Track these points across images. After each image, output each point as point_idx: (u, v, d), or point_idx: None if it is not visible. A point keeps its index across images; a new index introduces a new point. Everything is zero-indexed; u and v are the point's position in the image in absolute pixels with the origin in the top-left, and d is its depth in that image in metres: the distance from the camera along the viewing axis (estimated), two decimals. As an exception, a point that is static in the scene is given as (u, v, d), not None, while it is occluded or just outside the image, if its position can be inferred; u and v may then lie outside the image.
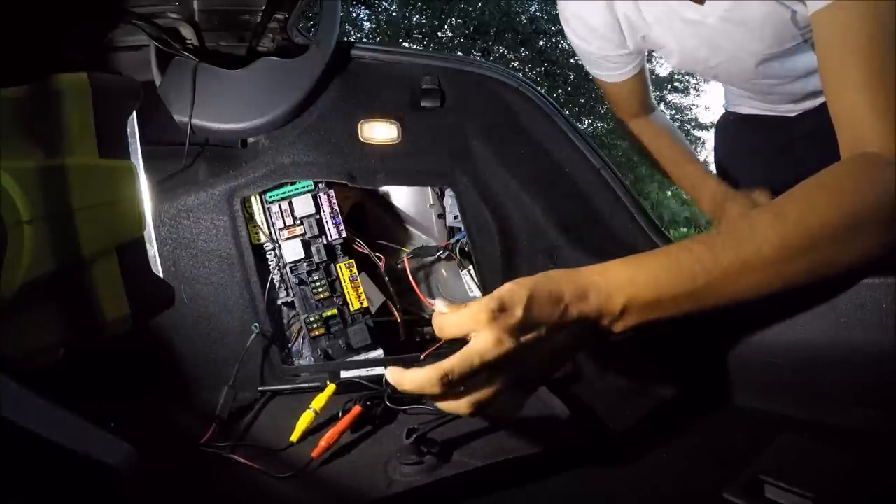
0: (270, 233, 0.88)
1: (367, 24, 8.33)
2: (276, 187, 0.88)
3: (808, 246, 0.50)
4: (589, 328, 0.49)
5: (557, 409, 0.59)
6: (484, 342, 0.44)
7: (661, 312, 0.50)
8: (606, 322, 0.50)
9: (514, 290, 0.47)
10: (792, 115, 1.02)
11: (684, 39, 0.87)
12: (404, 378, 0.45)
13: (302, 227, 0.89)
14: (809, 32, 0.75)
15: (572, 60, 8.72)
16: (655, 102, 1.14)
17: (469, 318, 0.45)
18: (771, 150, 1.09)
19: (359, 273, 0.90)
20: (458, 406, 0.46)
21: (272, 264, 0.88)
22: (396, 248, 1.03)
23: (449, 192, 0.99)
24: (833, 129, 0.58)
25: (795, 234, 0.50)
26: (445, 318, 0.47)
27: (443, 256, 1.03)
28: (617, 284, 0.49)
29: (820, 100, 0.95)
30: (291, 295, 0.88)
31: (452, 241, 1.01)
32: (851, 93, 0.55)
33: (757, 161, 1.11)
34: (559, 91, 8.53)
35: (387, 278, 0.94)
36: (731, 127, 1.16)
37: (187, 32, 0.87)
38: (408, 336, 0.96)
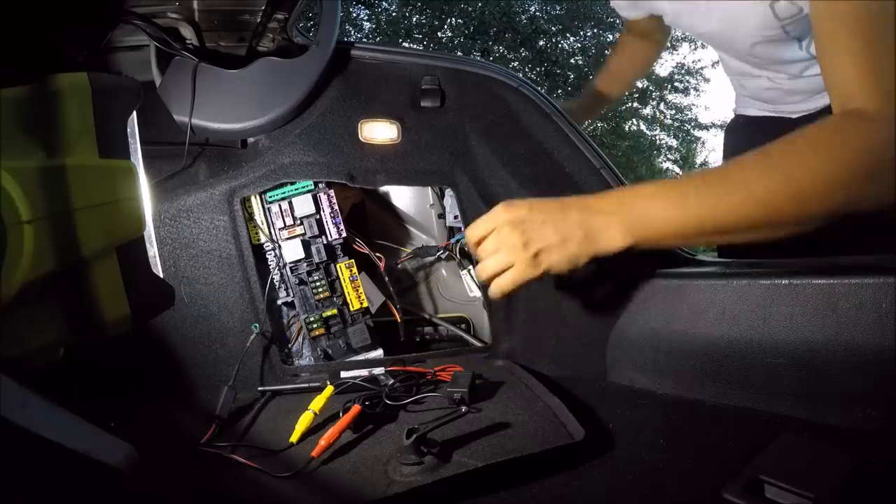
0: (270, 233, 0.88)
1: (367, 24, 8.32)
2: (276, 187, 0.88)
3: (787, 178, 0.56)
4: (588, 223, 0.60)
5: (572, 429, 0.59)
6: (500, 213, 0.63)
7: (653, 217, 0.59)
8: (604, 220, 0.60)
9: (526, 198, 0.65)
10: (794, 116, 1.05)
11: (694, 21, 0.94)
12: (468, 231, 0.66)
13: (302, 227, 0.89)
14: (790, 24, 0.81)
15: (572, 60, 8.72)
16: (664, 43, 1.33)
17: (491, 212, 0.64)
18: None
19: (359, 273, 0.90)
20: (486, 265, 0.63)
21: (272, 264, 0.88)
22: (396, 248, 1.03)
23: (449, 192, 0.99)
24: None
25: (775, 166, 0.56)
26: (475, 222, 0.65)
27: (443, 256, 1.03)
28: (616, 193, 0.63)
29: (819, 104, 0.99)
30: (291, 295, 0.88)
31: (452, 241, 1.01)
32: (840, 57, 0.59)
33: None
34: (559, 91, 8.53)
35: (387, 278, 0.94)
36: (739, 128, 1.22)
37: (187, 32, 0.87)
38: (408, 336, 0.96)
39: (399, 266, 1.04)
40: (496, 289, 0.64)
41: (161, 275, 0.66)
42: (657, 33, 1.28)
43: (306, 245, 0.88)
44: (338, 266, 0.89)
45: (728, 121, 1.26)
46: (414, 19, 8.44)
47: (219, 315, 0.82)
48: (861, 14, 0.58)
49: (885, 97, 0.56)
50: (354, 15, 8.11)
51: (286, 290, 0.89)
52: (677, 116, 9.54)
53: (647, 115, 9.49)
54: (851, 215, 0.57)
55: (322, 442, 0.57)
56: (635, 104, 9.33)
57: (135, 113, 0.62)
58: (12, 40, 0.62)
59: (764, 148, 0.58)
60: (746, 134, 1.17)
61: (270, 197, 0.88)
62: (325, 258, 0.89)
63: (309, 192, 0.89)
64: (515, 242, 0.61)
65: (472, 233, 0.65)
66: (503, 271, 0.63)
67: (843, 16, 0.59)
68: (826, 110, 0.93)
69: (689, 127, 9.52)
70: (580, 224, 0.60)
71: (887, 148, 0.55)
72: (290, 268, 0.88)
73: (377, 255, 0.94)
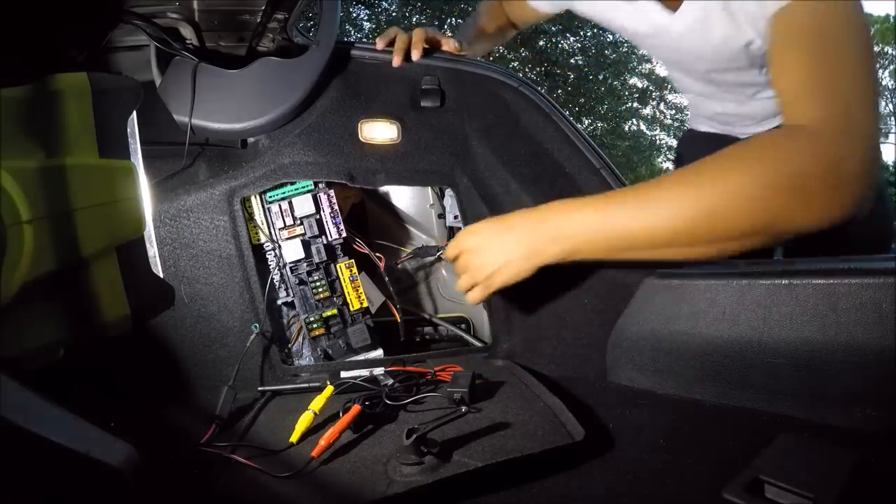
0: (270, 233, 0.88)
1: (367, 24, 8.34)
2: (276, 187, 0.88)
3: (701, 196, 0.58)
4: (530, 241, 0.68)
5: (572, 429, 0.59)
6: (463, 239, 0.75)
7: (584, 230, 0.65)
8: (542, 236, 0.67)
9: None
10: (742, 136, 1.07)
11: (647, 38, 0.93)
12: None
13: (302, 227, 0.89)
14: (758, 59, 0.82)
15: (572, 60, 8.72)
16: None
17: (459, 237, 0.77)
18: None
19: (359, 273, 0.90)
20: (459, 283, 0.76)
21: (272, 264, 0.88)
22: (396, 248, 1.03)
23: (449, 192, 0.99)
24: None
25: (692, 183, 0.59)
26: (449, 245, 0.78)
27: (443, 256, 1.03)
28: (555, 208, 0.68)
29: (765, 126, 1.01)
30: (291, 295, 0.88)
31: (452, 240, 1.01)
32: (789, 76, 0.62)
33: None
34: (559, 91, 8.53)
35: (387, 278, 0.94)
36: (691, 143, 1.26)
37: (187, 32, 0.87)
38: (408, 336, 0.96)
39: (399, 266, 1.04)
40: (470, 299, 0.77)
41: (161, 275, 0.66)
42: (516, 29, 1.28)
43: (306, 245, 0.88)
44: (338, 266, 0.89)
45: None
46: (414, 19, 8.45)
47: (219, 315, 0.82)
48: (815, 34, 0.60)
49: (826, 115, 0.57)
50: (354, 15, 8.13)
51: (286, 290, 0.89)
52: (677, 116, 9.55)
53: (647, 115, 9.51)
54: (780, 235, 0.59)
55: (322, 442, 0.57)
56: (635, 104, 9.33)
57: (135, 113, 0.62)
58: (12, 40, 0.62)
59: (692, 164, 0.61)
60: (697, 149, 1.18)
61: (270, 197, 0.88)
62: (325, 258, 0.89)
63: (309, 192, 0.89)
64: (475, 267, 0.73)
65: (447, 254, 0.79)
66: (472, 286, 0.76)
67: (798, 34, 0.61)
68: None
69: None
70: (525, 244, 0.68)
71: (817, 163, 0.56)
72: (290, 268, 0.88)
73: (377, 255, 0.94)
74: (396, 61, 0.89)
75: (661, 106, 9.43)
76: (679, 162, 1.30)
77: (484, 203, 0.91)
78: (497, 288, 0.73)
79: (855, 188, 0.57)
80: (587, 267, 0.81)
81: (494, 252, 0.71)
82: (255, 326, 0.82)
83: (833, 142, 0.57)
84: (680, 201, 0.60)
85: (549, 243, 0.67)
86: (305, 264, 0.88)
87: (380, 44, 0.92)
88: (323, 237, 0.89)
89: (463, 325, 1.02)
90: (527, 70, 8.58)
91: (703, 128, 1.16)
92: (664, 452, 0.57)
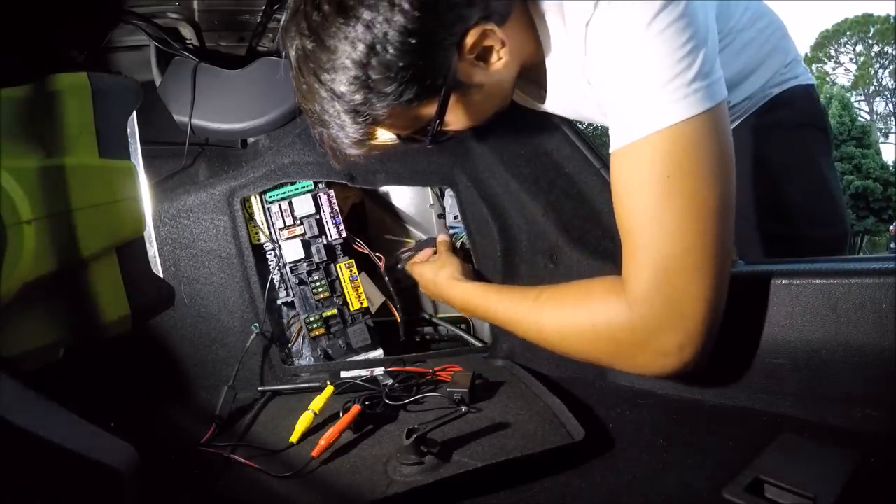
0: (270, 233, 0.88)
1: (367, 24, 8.33)
2: (276, 187, 0.88)
3: (541, 328, 0.66)
4: (442, 299, 0.87)
5: (572, 429, 0.59)
6: (417, 276, 0.92)
7: (471, 310, 0.81)
8: (447, 300, 0.86)
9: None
10: None
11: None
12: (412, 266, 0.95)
13: (302, 227, 0.89)
14: None
15: (572, 60, 8.69)
16: None
17: (414, 276, 0.93)
18: None
19: (359, 273, 0.90)
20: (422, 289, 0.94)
21: (272, 264, 0.88)
22: (400, 240, 1.03)
23: (449, 192, 0.99)
24: None
25: (534, 311, 0.67)
26: (415, 270, 0.94)
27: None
28: (459, 291, 0.82)
29: None
30: (291, 295, 0.88)
31: (451, 234, 1.01)
32: (620, 224, 0.59)
33: None
34: (559, 91, 8.52)
35: (387, 278, 0.94)
36: None
37: (187, 32, 0.87)
38: (408, 336, 0.96)
39: (399, 266, 1.04)
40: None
41: (161, 275, 0.66)
42: None
43: (306, 245, 0.88)
44: (338, 266, 0.89)
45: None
46: (414, 19, 8.42)
47: (219, 315, 0.82)
48: (646, 183, 0.55)
49: (644, 283, 0.56)
50: (354, 15, 8.10)
51: (286, 290, 0.89)
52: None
53: (647, 115, 9.48)
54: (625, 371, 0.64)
55: (322, 442, 0.57)
56: (635, 104, 9.31)
57: (135, 113, 0.62)
58: (12, 40, 0.62)
59: (543, 293, 0.67)
60: None
61: (270, 197, 0.88)
62: (325, 258, 0.89)
63: (309, 192, 0.89)
64: (427, 293, 0.92)
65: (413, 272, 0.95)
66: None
67: (628, 182, 0.57)
68: None
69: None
70: (445, 300, 0.87)
71: (630, 332, 0.57)
72: (290, 268, 0.88)
73: (377, 255, 0.94)
74: None
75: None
76: None
77: (484, 203, 0.91)
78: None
79: (676, 358, 0.57)
80: (586, 268, 0.81)
81: (436, 297, 0.91)
82: (255, 326, 0.82)
83: (647, 314, 0.56)
84: (529, 326, 0.68)
85: (459, 308, 0.85)
86: (305, 264, 0.88)
87: None
88: (323, 237, 0.89)
89: (463, 325, 1.01)
90: (527, 70, 8.56)
91: None
92: (664, 452, 0.57)
